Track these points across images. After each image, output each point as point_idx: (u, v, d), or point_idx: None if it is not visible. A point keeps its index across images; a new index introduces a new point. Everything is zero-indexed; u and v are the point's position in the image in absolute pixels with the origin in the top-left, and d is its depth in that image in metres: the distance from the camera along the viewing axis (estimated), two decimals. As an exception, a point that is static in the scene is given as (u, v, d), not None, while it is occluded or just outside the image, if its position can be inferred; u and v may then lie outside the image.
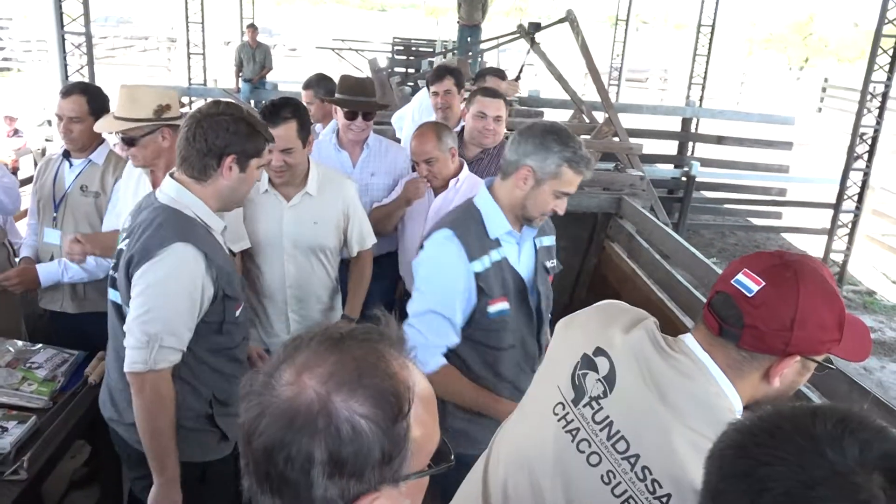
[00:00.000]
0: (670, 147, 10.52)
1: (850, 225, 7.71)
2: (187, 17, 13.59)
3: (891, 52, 7.18)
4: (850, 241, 7.71)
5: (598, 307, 1.34)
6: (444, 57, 7.93)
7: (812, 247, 8.46)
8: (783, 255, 1.14)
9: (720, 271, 3.26)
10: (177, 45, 21.45)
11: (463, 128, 3.42)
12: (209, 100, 3.34)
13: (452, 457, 0.81)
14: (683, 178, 8.30)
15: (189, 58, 13.76)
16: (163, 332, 1.80)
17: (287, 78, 12.45)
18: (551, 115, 8.63)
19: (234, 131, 1.86)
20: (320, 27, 33.89)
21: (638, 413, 1.13)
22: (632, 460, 1.11)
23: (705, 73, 11.56)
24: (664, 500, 1.06)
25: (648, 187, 6.22)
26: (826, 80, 23.08)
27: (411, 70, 11.49)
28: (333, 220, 2.67)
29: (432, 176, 3.01)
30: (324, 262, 2.71)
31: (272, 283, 2.66)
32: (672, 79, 24.85)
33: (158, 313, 1.81)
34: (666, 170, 9.25)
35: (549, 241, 2.23)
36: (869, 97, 7.34)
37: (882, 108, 7.31)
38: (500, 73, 4.87)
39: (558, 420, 1.21)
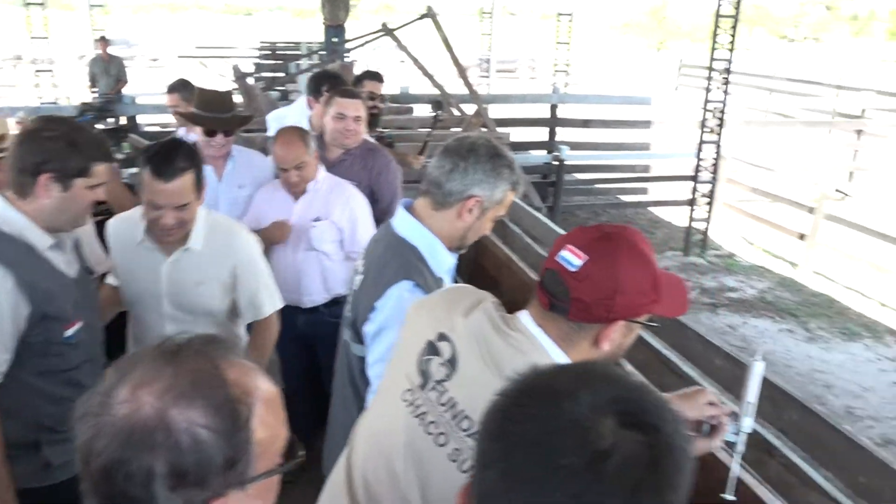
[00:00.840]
0: (541, 133, 10.87)
1: (708, 194, 8.22)
2: (30, 33, 12.73)
3: (730, 31, 7.70)
4: (710, 209, 8.24)
5: (442, 292, 1.38)
6: (311, 59, 7.83)
7: (677, 217, 8.98)
8: (602, 228, 1.21)
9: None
10: (22, 62, 20.06)
11: (322, 131, 3.40)
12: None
13: (302, 452, 0.84)
14: (555, 163, 8.60)
15: (37, 75, 12.90)
16: None
17: (148, 90, 11.91)
18: (421, 111, 8.70)
19: (51, 149, 1.77)
20: (182, 35, 32.58)
21: (479, 391, 1.14)
22: (475, 437, 1.15)
23: (567, 59, 11.98)
24: None
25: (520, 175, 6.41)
26: (681, 61, 24.45)
27: (280, 74, 11.26)
28: (219, 281, 2.31)
29: (301, 181, 2.98)
30: (216, 326, 2.39)
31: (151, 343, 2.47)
32: (540, 67, 25.65)
33: None
34: (538, 156, 9.54)
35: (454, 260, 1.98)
36: (715, 74, 7.85)
37: (726, 84, 7.83)
38: (377, 77, 4.87)
39: (407, 406, 1.25)
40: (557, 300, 1.18)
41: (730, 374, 2.24)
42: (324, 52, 7.81)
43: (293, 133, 3.00)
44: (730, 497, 1.45)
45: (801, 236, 7.77)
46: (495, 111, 11.40)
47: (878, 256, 7.14)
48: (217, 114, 3.08)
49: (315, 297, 3.10)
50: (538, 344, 1.20)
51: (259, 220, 3.07)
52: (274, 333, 2.48)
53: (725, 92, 7.85)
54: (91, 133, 1.97)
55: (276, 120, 4.15)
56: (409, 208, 1.80)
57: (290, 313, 3.15)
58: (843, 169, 11.20)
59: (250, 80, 8.42)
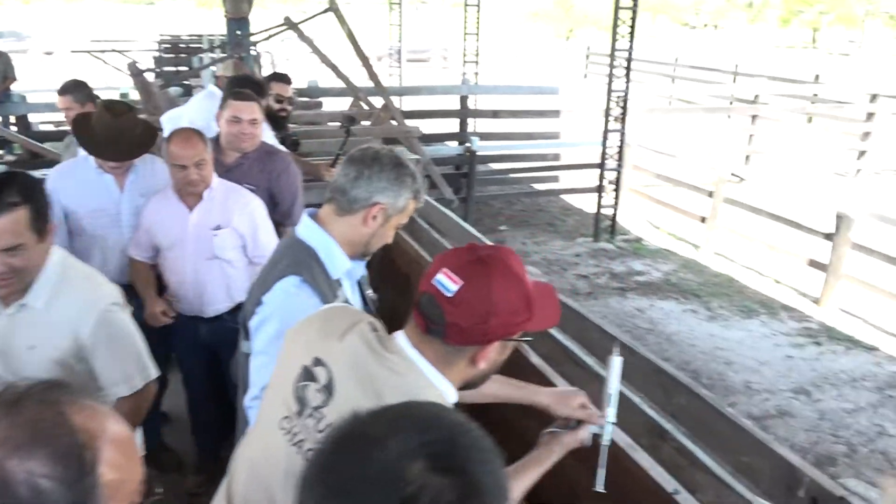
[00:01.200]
0: (453, 125, 10.93)
1: (614, 181, 8.47)
2: None
3: (630, 21, 7.93)
4: (617, 196, 8.49)
5: (318, 314, 1.37)
6: (213, 52, 7.60)
7: (587, 204, 9.21)
8: (476, 250, 1.23)
9: (487, 241, 3.45)
10: None
11: (218, 134, 3.33)
12: None
13: (159, 490, 0.84)
14: (467, 154, 8.67)
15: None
16: None
17: (41, 86, 11.28)
18: (331, 104, 8.62)
19: None
20: (79, 26, 31.03)
21: None
22: None
23: (477, 50, 12.06)
24: None
25: (429, 167, 6.44)
26: (588, 49, 25.02)
27: (183, 68, 10.89)
28: (56, 349, 1.88)
29: (201, 181, 2.90)
30: None
31: None
32: (452, 56, 25.74)
33: None
34: (450, 147, 9.60)
35: (363, 268, 1.98)
36: (617, 63, 8.07)
37: (628, 72, 8.07)
38: (284, 78, 4.77)
39: (285, 434, 1.24)
40: (434, 324, 1.19)
41: (625, 362, 2.32)
42: (228, 46, 7.58)
43: (189, 131, 2.93)
44: (600, 489, 1.54)
45: (703, 219, 8.12)
46: (406, 103, 11.39)
47: (772, 236, 7.54)
48: (113, 148, 2.96)
49: (218, 305, 3.05)
50: (414, 366, 1.21)
51: (152, 232, 2.98)
52: (145, 405, 2.08)
53: (627, 80, 8.09)
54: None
55: (171, 121, 4.02)
56: (314, 216, 1.84)
57: (191, 323, 3.08)
58: (740, 153, 11.74)
59: (150, 76, 8.11)
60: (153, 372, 2.07)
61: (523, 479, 1.52)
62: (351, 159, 1.81)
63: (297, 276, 1.73)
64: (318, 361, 1.24)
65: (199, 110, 4.08)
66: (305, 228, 1.83)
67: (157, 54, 12.62)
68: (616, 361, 1.61)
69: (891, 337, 6.11)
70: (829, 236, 6.58)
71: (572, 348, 2.67)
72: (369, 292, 2.07)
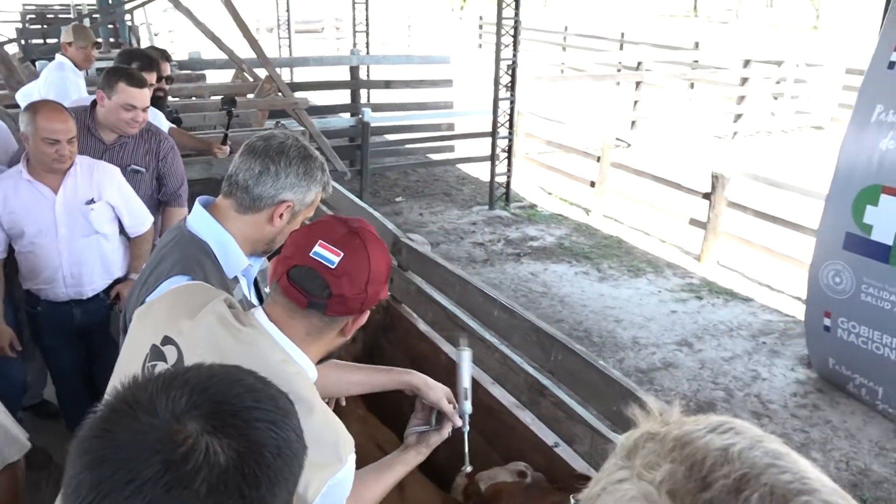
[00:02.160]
0: (346, 97, 10.75)
1: (507, 149, 8.58)
2: None
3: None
4: (510, 164, 8.61)
5: (170, 292, 1.33)
6: (81, 22, 7.11)
7: (483, 172, 9.30)
8: (346, 222, 1.26)
9: (377, 214, 3.41)
10: None
11: (92, 107, 3.16)
12: None
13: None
14: (359, 126, 8.55)
15: None
16: None
17: None
18: (214, 77, 8.28)
19: None
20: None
21: None
22: None
23: (367, 19, 11.88)
24: None
25: (319, 140, 6.31)
26: (481, 18, 25.11)
27: (53, 40, 10.16)
28: None
29: (71, 157, 2.76)
30: None
31: None
32: (345, 27, 25.25)
33: None
34: (343, 119, 9.45)
35: (262, 262, 1.84)
36: (504, 31, 8.13)
37: (515, 40, 8.14)
38: (162, 54, 4.55)
39: None
40: (316, 297, 1.20)
41: (505, 323, 2.37)
42: (96, 17, 7.14)
43: (56, 104, 2.80)
44: (468, 468, 1.66)
45: (592, 184, 8.37)
46: (298, 75, 11.11)
47: (656, 198, 7.86)
48: None
49: (96, 284, 2.97)
50: (270, 339, 1.20)
51: (20, 224, 2.79)
52: (19, 483, 2.00)
53: (515, 48, 8.17)
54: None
55: (25, 97, 3.77)
56: (209, 206, 1.67)
57: (64, 310, 2.91)
58: (627, 119, 12.14)
59: (13, 48, 7.52)
60: (25, 442, 1.97)
61: (389, 477, 1.53)
62: (252, 151, 1.64)
63: (185, 275, 1.54)
64: (167, 340, 1.20)
65: (51, 83, 3.85)
66: (198, 220, 1.64)
67: (19, 25, 11.73)
68: (465, 355, 1.67)
69: (764, 288, 6.53)
70: (706, 195, 6.92)
71: (457, 313, 2.70)
72: (267, 289, 1.93)
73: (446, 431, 1.64)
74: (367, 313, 1.31)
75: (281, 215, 1.63)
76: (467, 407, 1.66)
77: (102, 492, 0.62)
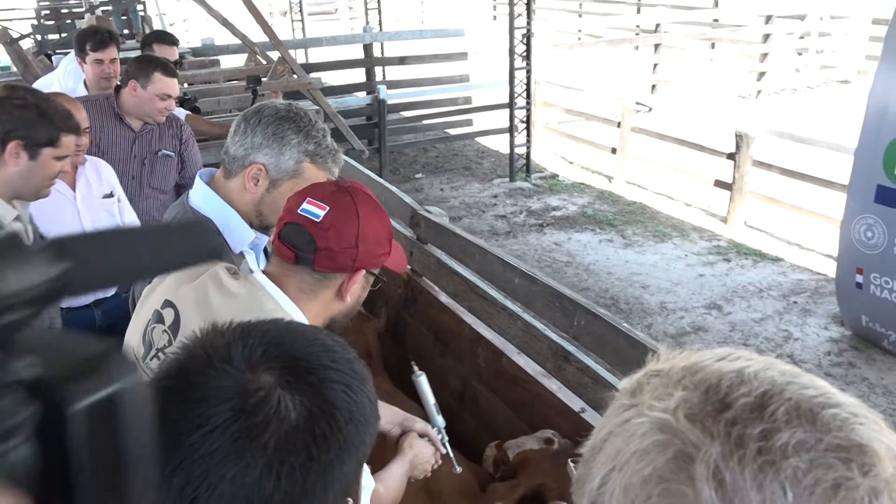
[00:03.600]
0: (362, 75, 10.69)
1: (525, 119, 8.47)
2: None
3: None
4: (529, 134, 8.51)
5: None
6: (93, 14, 7.14)
7: (502, 145, 9.21)
8: (338, 182, 1.26)
9: (393, 188, 3.38)
10: None
11: (116, 94, 3.20)
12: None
13: None
14: (376, 104, 8.50)
15: None
16: None
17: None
18: (228, 62, 8.28)
19: (19, 116, 1.83)
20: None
21: None
22: None
23: (378, -3, 11.78)
24: None
25: (336, 119, 6.29)
26: (495, -11, 24.73)
27: (67, 34, 10.21)
28: None
29: (84, 150, 2.76)
30: None
31: None
32: (358, 7, 25.07)
33: None
34: (359, 98, 9.40)
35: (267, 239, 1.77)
36: (517, 1, 8.00)
37: (529, 9, 8.01)
38: (167, 38, 4.53)
39: None
40: (303, 251, 1.20)
41: (526, 290, 2.34)
42: (108, 9, 7.15)
43: (66, 97, 2.76)
44: (457, 469, 1.76)
45: (613, 150, 8.25)
46: (312, 56, 11.07)
47: (680, 161, 7.72)
48: None
49: None
50: (264, 291, 1.18)
51: (43, 224, 2.79)
52: None
53: (529, 17, 8.03)
54: (59, 104, 2.05)
55: (43, 88, 3.77)
56: (209, 180, 1.62)
57: (85, 314, 2.86)
58: (646, 83, 11.92)
59: (28, 44, 7.57)
60: None
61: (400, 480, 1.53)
62: (242, 115, 1.60)
63: None
64: (167, 303, 1.21)
65: (70, 72, 3.86)
66: (199, 195, 1.59)
67: (34, 22, 11.83)
68: (421, 380, 1.75)
69: (794, 247, 6.40)
70: (731, 156, 6.78)
71: (478, 283, 2.67)
72: None
73: (437, 457, 1.69)
74: (364, 279, 1.28)
75: (256, 181, 1.54)
76: (440, 420, 1.74)
77: (171, 435, 0.61)
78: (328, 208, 1.19)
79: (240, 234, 1.57)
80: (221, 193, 1.58)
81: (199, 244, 0.47)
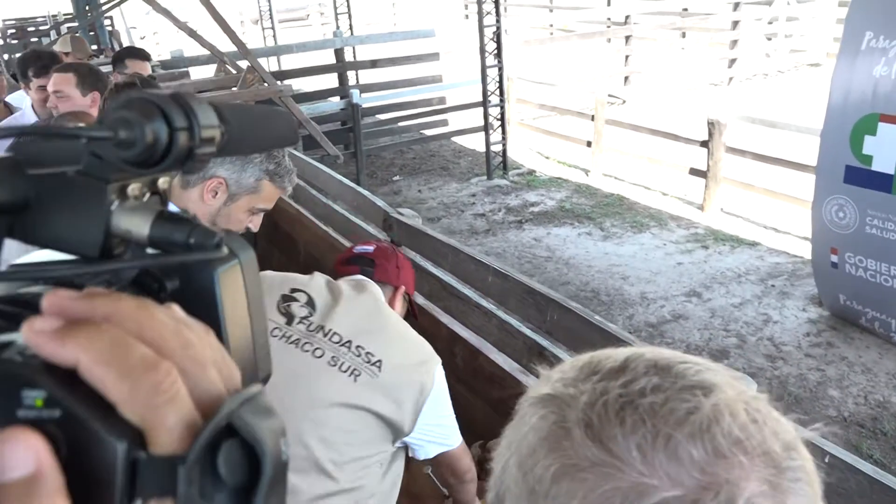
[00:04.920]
0: (335, 80, 10.64)
1: (499, 117, 8.49)
2: None
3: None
4: (504, 131, 8.52)
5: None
6: (59, 33, 7.08)
7: (477, 143, 9.22)
8: (379, 241, 2.05)
9: (365, 192, 3.36)
10: None
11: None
12: None
13: None
14: (349, 108, 8.48)
15: None
16: None
17: None
18: (198, 73, 8.23)
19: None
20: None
21: (339, 316, 1.57)
22: (347, 345, 1.52)
23: (348, 1, 11.74)
24: (378, 364, 1.51)
25: (308, 125, 6.27)
26: (465, -11, 24.75)
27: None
28: None
29: None
30: None
31: None
32: (329, 12, 25.01)
33: None
34: (332, 103, 9.37)
35: None
36: (485, -1, 8.01)
37: (497, 6, 8.02)
38: (140, 54, 4.45)
39: (279, 339, 1.52)
40: (364, 267, 1.80)
41: (500, 288, 2.34)
42: (74, 25, 7.09)
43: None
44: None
45: (588, 143, 8.28)
46: (285, 63, 11.03)
47: (654, 151, 7.77)
48: None
49: None
50: (371, 291, 1.68)
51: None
52: None
53: (498, 14, 8.05)
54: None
55: (18, 101, 3.74)
56: None
57: None
58: (619, 75, 11.98)
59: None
60: None
61: None
62: None
63: None
64: (294, 290, 1.60)
65: (21, 97, 3.82)
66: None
67: (0, 41, 11.69)
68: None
69: (770, 231, 6.46)
70: (704, 143, 6.83)
71: (452, 283, 2.68)
72: None
73: None
74: (403, 294, 1.85)
75: (215, 193, 1.59)
76: None
77: None
78: (375, 246, 1.89)
79: None
80: (175, 201, 1.58)
81: (291, 128, 0.49)
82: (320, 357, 1.49)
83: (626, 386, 0.48)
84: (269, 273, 1.66)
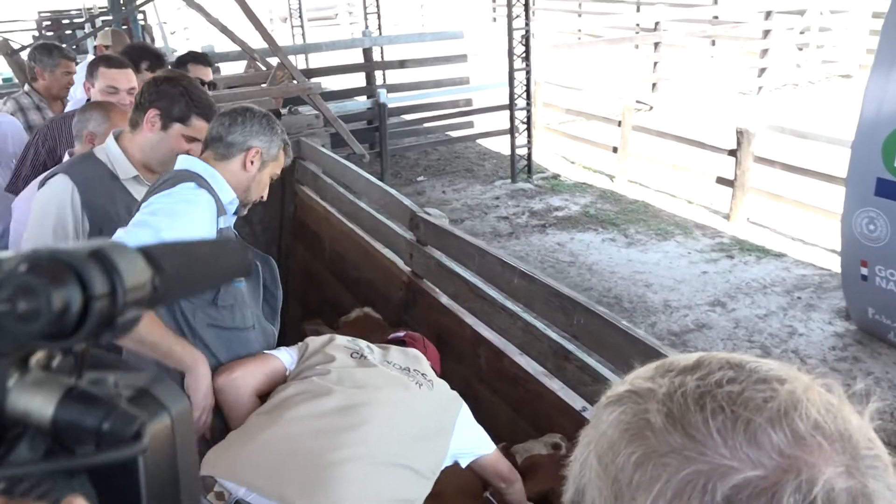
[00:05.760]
0: (362, 80, 10.69)
1: (525, 120, 8.47)
2: None
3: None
4: (530, 135, 8.50)
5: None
6: (94, 26, 7.18)
7: (502, 146, 9.21)
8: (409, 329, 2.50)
9: (392, 191, 3.37)
10: None
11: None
12: None
13: None
14: (376, 107, 8.51)
15: None
16: None
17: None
18: (228, 69, 8.30)
19: (164, 91, 2.10)
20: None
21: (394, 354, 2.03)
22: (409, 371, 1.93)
23: (378, 1, 11.79)
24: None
25: (335, 123, 6.29)
26: (494, -9, 24.73)
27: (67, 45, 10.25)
28: None
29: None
30: None
31: None
32: (358, 12, 25.12)
33: None
34: (359, 102, 9.41)
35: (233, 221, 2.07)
36: (516, 1, 8.00)
37: (527, 10, 8.01)
38: (203, 59, 4.41)
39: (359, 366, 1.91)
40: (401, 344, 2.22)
41: (526, 290, 2.34)
42: (108, 18, 7.18)
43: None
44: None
45: (615, 149, 8.24)
46: (313, 61, 11.09)
47: (681, 158, 7.71)
48: None
49: None
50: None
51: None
52: None
53: (527, 18, 8.04)
54: (205, 93, 2.25)
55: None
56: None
57: None
58: (647, 81, 11.91)
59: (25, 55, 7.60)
60: None
61: None
62: (222, 113, 1.98)
63: (188, 182, 1.83)
64: (353, 341, 2.01)
65: (78, 83, 3.87)
66: (184, 163, 1.92)
67: (35, 33, 11.86)
68: None
69: (797, 242, 6.38)
70: (732, 152, 6.77)
71: (478, 284, 2.68)
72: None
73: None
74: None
75: (252, 161, 1.93)
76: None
77: None
78: (405, 332, 2.38)
79: (225, 189, 1.92)
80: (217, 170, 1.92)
81: (241, 259, 0.45)
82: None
83: (703, 378, 0.50)
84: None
